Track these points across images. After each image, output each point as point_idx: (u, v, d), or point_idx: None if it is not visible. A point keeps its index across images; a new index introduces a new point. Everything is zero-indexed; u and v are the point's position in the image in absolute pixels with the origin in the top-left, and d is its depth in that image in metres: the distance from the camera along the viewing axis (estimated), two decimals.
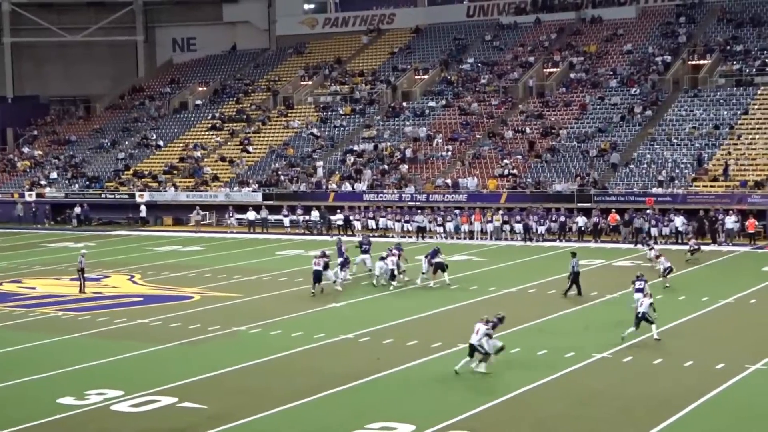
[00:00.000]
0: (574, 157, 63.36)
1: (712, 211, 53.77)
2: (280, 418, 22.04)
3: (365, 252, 42.90)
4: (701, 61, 70.35)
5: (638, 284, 31.72)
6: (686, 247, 47.13)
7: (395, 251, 41.06)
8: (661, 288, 37.28)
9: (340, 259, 41.35)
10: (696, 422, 21.23)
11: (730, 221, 53.03)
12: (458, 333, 30.06)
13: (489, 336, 25.53)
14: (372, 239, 47.00)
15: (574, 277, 36.90)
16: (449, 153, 67.67)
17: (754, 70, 67.43)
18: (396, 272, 40.20)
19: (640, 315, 28.76)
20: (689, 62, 70.83)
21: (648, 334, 28.82)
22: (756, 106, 63.43)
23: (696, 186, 57.07)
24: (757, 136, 60.19)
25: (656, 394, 23.33)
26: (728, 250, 49.72)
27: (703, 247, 47.37)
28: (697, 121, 63.30)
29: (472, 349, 25.47)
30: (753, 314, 33.32)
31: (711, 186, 56.75)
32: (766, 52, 68.83)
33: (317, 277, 38.56)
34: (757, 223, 52.77)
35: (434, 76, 79.54)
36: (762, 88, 65.18)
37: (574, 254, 37.90)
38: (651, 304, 29.08)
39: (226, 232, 64.68)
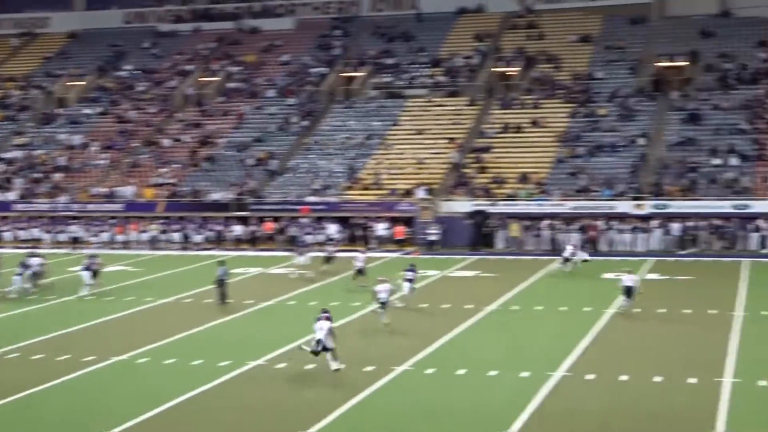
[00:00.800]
0: (233, 166, 63.78)
1: (362, 218, 56.03)
2: None
3: None
4: (355, 74, 72.76)
5: (408, 275, 36.40)
6: (324, 254, 46.40)
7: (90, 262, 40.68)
8: (354, 288, 39.80)
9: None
10: (343, 426, 21.87)
11: (381, 228, 55.31)
12: (112, 346, 29.68)
13: (331, 332, 26.09)
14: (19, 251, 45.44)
15: (219, 285, 37.50)
16: (105, 161, 66.30)
17: (404, 82, 70.46)
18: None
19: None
20: (343, 74, 73.04)
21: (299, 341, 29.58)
22: (405, 118, 66.24)
23: (349, 194, 58.92)
24: (406, 147, 62.87)
25: (307, 399, 23.91)
26: (379, 256, 51.59)
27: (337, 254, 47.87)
28: (351, 132, 65.37)
29: (321, 345, 25.88)
30: (397, 316, 34.54)
31: (363, 194, 58.76)
32: (415, 66, 72.08)
33: None
34: (405, 229, 55.25)
35: (90, 83, 77.70)
36: (411, 100, 68.25)
37: (221, 263, 38.78)
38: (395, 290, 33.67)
39: None
